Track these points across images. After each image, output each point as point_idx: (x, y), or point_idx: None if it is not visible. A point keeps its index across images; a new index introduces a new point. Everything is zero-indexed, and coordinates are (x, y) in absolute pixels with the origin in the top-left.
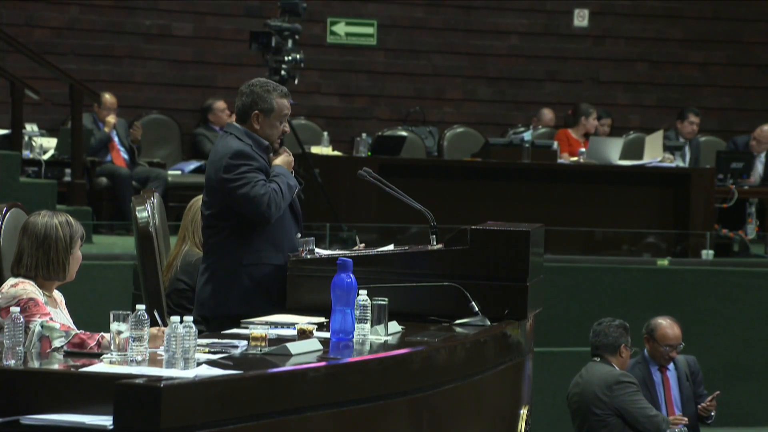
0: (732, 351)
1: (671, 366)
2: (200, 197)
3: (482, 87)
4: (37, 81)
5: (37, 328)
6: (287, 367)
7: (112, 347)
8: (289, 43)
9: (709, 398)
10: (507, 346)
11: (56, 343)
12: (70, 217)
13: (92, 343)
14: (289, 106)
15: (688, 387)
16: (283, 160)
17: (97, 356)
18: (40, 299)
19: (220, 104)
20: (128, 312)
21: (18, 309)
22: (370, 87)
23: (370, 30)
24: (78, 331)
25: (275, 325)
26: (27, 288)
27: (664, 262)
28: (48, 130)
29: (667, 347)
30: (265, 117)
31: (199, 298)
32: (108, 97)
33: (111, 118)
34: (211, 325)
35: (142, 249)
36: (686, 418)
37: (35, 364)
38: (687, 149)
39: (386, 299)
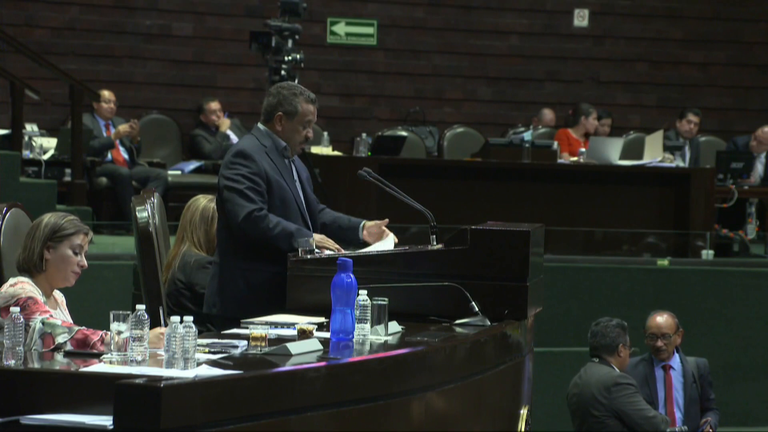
0: (732, 351)
1: (677, 365)
2: (199, 197)
3: (482, 87)
4: (37, 81)
5: (38, 326)
6: (287, 367)
7: (112, 347)
8: (289, 43)
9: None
10: (507, 346)
11: (59, 339)
12: (75, 219)
13: (95, 338)
14: (315, 112)
15: (695, 389)
16: (323, 238)
17: (98, 356)
18: (38, 297)
19: (212, 105)
20: (128, 312)
21: (18, 309)
22: (370, 87)
23: (370, 30)
24: (81, 327)
25: (275, 325)
26: (25, 287)
27: (664, 262)
28: (48, 130)
29: (650, 336)
30: (288, 120)
31: (205, 296)
32: (106, 93)
33: (122, 129)
34: (214, 323)
35: (142, 249)
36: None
37: (35, 364)
38: (687, 149)
39: (386, 299)
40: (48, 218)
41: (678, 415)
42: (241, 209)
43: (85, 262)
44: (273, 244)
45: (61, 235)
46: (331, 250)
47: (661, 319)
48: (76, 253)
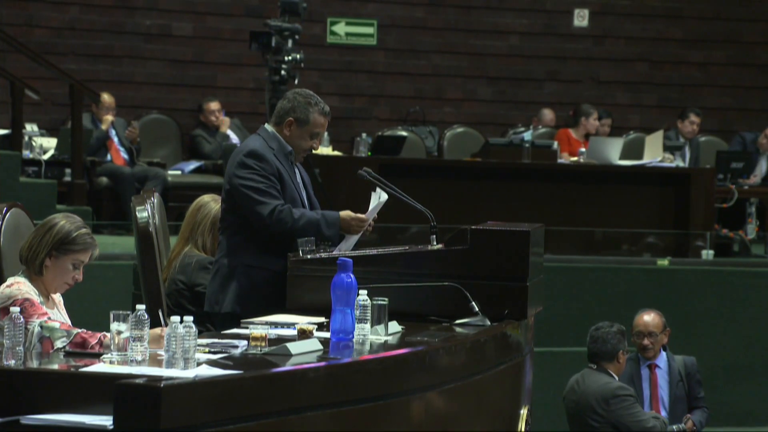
0: (732, 351)
1: (663, 364)
2: (209, 201)
3: (482, 87)
4: (37, 81)
5: (36, 329)
6: (287, 367)
7: (112, 347)
8: (289, 43)
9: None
10: (507, 346)
11: (58, 344)
12: (87, 234)
13: (94, 341)
14: (325, 125)
15: (681, 388)
16: (348, 214)
17: (98, 356)
18: (35, 299)
19: (211, 105)
20: (128, 312)
21: (18, 309)
22: (370, 87)
23: (370, 30)
24: (79, 330)
25: (275, 325)
26: (22, 288)
27: (664, 262)
28: (48, 130)
29: (637, 333)
30: (298, 127)
31: (206, 294)
32: (106, 97)
33: (109, 116)
34: (213, 321)
35: (142, 249)
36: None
37: (35, 364)
38: (687, 149)
39: (386, 299)
40: (62, 224)
41: (663, 413)
42: (265, 206)
43: (80, 277)
44: (300, 235)
45: (67, 248)
46: (360, 227)
47: (648, 318)
48: (75, 267)
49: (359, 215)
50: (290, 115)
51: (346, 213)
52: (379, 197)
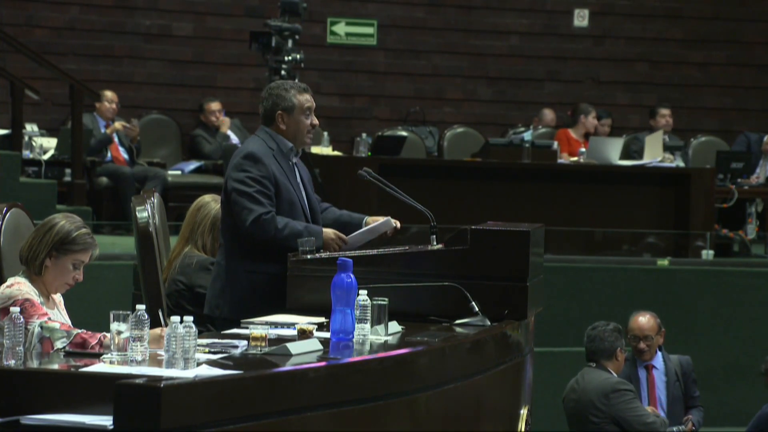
0: (732, 351)
1: (659, 365)
2: (210, 201)
3: (482, 87)
4: (37, 81)
5: (36, 329)
6: (287, 367)
7: (112, 347)
8: (289, 43)
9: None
10: (507, 346)
11: (58, 344)
12: (87, 234)
13: (94, 341)
14: (311, 99)
15: (678, 387)
16: (330, 233)
17: (98, 356)
18: (35, 299)
19: (212, 105)
20: (128, 312)
21: (18, 309)
22: (370, 87)
23: (370, 30)
24: (79, 331)
25: (275, 325)
26: (22, 288)
27: (664, 262)
28: (48, 130)
29: (633, 337)
30: (289, 115)
31: (206, 297)
32: (109, 94)
33: (117, 124)
34: (215, 324)
35: (142, 249)
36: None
37: (35, 364)
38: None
39: (386, 299)
40: (62, 224)
41: (661, 414)
42: (249, 213)
43: (80, 277)
44: (283, 245)
45: (67, 248)
46: (338, 245)
47: (643, 320)
48: (75, 267)
49: (341, 235)
50: (277, 109)
51: (329, 230)
52: (387, 224)
